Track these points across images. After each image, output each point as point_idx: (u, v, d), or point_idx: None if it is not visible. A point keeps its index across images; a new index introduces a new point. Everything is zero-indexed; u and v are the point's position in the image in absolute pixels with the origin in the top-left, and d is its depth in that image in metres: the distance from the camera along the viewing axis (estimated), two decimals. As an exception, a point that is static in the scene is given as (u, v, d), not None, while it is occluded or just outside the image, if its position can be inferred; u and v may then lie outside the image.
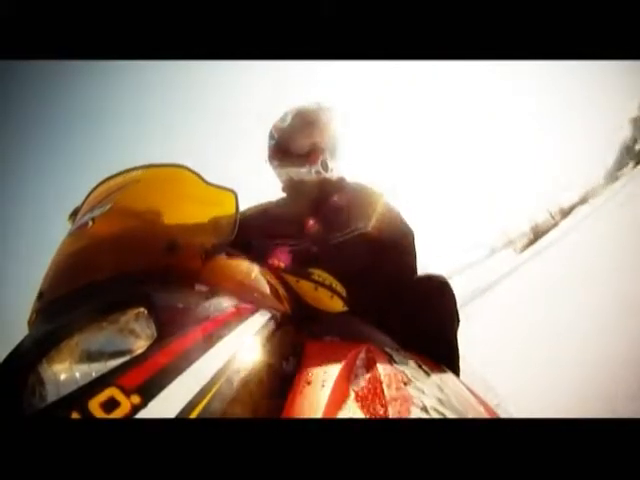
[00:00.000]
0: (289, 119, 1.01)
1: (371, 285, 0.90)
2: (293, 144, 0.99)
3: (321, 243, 0.99)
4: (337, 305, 0.71)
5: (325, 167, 0.97)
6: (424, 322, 0.90)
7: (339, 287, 0.71)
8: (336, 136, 1.05)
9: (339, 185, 1.05)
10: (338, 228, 0.99)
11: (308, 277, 0.69)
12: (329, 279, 0.71)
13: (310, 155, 0.97)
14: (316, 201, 1.01)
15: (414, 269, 1.03)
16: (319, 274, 0.71)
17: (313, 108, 1.02)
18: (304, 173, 0.97)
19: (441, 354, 0.89)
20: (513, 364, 2.08)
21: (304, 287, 0.69)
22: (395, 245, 1.02)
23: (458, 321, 0.96)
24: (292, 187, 1.03)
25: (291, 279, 0.69)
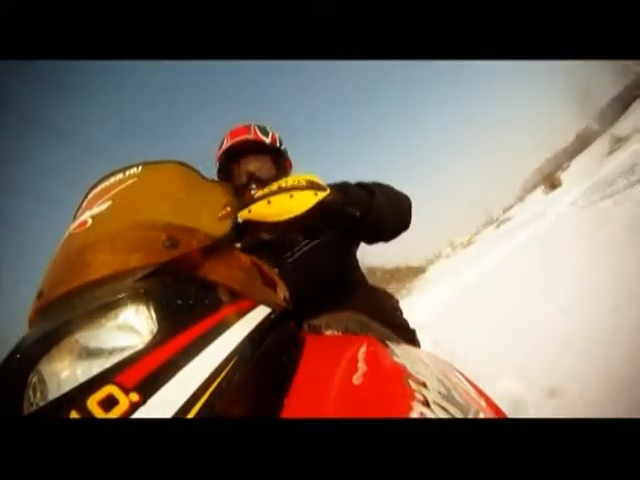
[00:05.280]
0: (223, 158, 1.06)
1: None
2: (232, 179, 1.05)
3: (280, 264, 0.97)
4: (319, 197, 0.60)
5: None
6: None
7: (318, 179, 0.62)
8: (267, 158, 1.08)
9: None
10: (290, 246, 1.00)
11: (279, 191, 0.58)
12: (303, 178, 0.60)
13: (247, 185, 1.01)
14: (262, 226, 1.03)
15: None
16: (286, 181, 0.60)
17: (240, 140, 1.06)
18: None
19: None
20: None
21: (279, 202, 0.59)
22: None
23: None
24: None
25: (261, 204, 0.59)
